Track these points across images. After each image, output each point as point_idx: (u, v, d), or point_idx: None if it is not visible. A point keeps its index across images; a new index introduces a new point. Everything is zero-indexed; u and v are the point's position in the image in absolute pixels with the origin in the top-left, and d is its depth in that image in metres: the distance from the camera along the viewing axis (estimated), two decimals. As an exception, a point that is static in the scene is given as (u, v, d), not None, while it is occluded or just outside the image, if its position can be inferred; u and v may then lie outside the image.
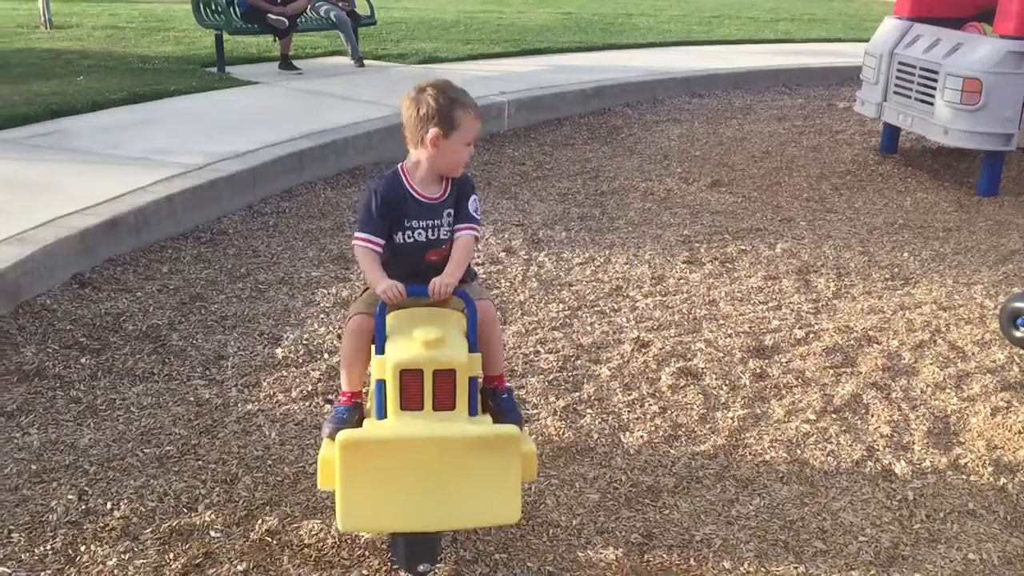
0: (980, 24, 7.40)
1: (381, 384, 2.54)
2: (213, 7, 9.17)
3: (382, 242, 2.75)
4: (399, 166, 2.81)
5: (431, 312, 2.69)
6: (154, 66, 9.03)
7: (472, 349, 2.58)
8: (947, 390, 3.92)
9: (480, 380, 2.70)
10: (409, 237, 2.77)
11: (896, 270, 5.26)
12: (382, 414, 2.55)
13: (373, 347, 2.65)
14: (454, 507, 2.45)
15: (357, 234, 2.76)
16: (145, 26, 11.62)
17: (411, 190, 2.76)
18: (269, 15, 9.00)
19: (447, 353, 2.50)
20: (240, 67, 9.29)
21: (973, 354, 4.25)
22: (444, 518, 2.48)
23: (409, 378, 2.47)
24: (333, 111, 7.51)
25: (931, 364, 4.13)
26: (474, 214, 2.82)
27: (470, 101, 2.75)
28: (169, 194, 5.28)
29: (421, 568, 2.61)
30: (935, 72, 6.69)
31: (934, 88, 6.70)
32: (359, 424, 2.67)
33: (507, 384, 2.90)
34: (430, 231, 2.78)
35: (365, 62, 9.63)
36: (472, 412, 2.57)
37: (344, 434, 2.42)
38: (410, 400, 2.49)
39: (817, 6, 18.07)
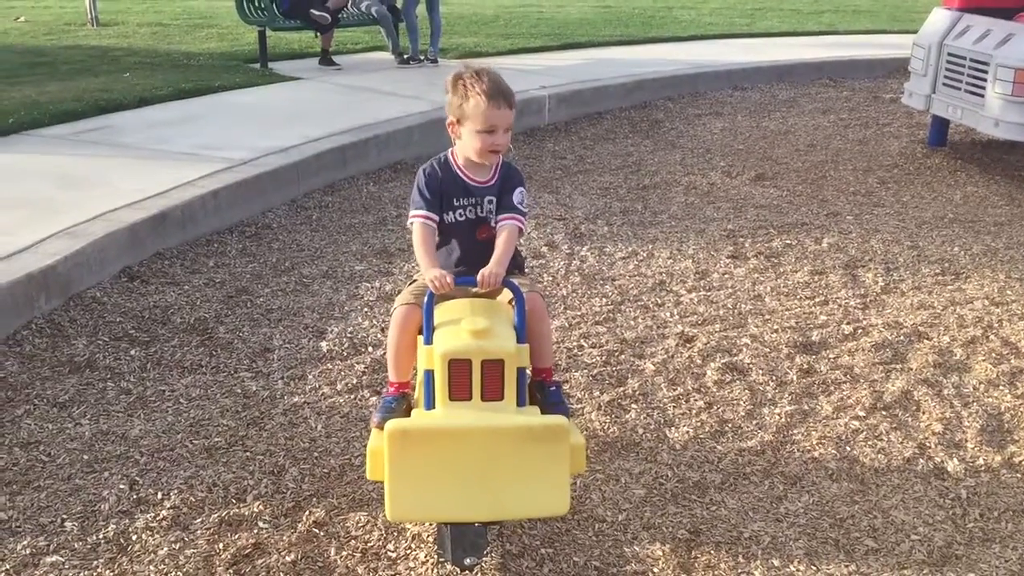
0: (1032, 15, 7.23)
1: (429, 374, 2.55)
2: (257, 3, 9.25)
3: (436, 217, 2.80)
4: (450, 149, 2.87)
5: (479, 303, 2.70)
6: (199, 62, 9.13)
7: (520, 340, 2.58)
8: (1000, 387, 3.83)
9: (529, 372, 2.69)
10: (460, 215, 2.83)
11: (946, 265, 5.16)
12: (430, 404, 2.55)
13: (420, 337, 2.65)
14: (502, 498, 2.45)
15: (411, 212, 2.82)
16: (189, 23, 11.76)
17: (458, 172, 2.83)
18: (312, 11, 9.06)
19: (495, 343, 2.49)
20: (283, 63, 9.37)
21: (1027, 351, 4.16)
22: (492, 509, 2.48)
23: (457, 368, 2.47)
24: (375, 106, 7.54)
25: (983, 360, 4.05)
26: (519, 205, 2.83)
27: (489, 88, 2.69)
28: (215, 189, 5.34)
29: (467, 561, 2.61)
30: (986, 63, 6.55)
31: (984, 80, 6.56)
32: (407, 413, 2.68)
33: (555, 378, 2.89)
34: (478, 208, 2.83)
35: (406, 57, 9.66)
36: (520, 403, 2.56)
37: (392, 423, 2.42)
38: (458, 390, 2.49)
39: (861, -3, 17.79)
